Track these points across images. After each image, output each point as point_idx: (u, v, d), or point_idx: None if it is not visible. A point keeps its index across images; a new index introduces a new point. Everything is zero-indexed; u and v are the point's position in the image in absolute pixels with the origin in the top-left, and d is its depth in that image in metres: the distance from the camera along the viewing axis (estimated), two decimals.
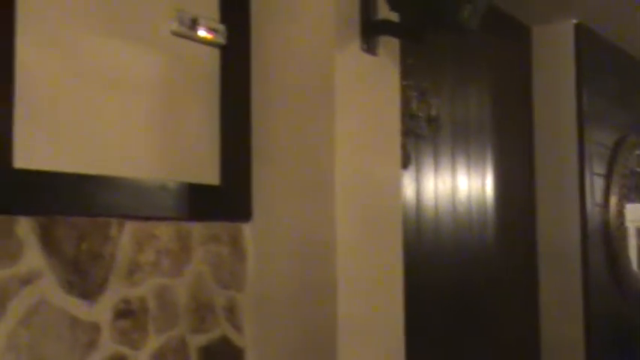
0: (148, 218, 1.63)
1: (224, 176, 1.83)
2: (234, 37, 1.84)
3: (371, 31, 1.83)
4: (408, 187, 2.53)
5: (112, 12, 1.59)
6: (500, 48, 3.14)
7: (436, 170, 2.71)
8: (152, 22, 1.68)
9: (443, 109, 2.69)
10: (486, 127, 3.04)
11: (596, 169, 3.42)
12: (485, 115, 3.05)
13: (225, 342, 1.79)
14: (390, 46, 1.92)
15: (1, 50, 1.36)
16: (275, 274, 1.83)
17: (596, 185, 3.40)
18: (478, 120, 3.01)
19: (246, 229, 1.86)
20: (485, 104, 3.06)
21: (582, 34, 3.30)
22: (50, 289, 1.43)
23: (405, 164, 2.35)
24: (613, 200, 3.52)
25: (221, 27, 1.82)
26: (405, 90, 2.15)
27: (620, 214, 3.56)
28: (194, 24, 1.75)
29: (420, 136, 2.53)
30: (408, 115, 2.40)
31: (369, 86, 1.88)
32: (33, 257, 1.40)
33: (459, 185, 2.85)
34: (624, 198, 3.60)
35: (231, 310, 1.81)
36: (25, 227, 1.39)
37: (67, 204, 1.47)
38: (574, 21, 3.28)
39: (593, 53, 3.37)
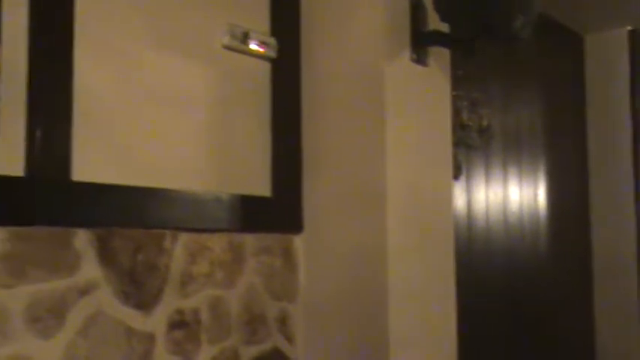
0: (201, 230, 1.65)
1: (275, 188, 1.84)
2: (284, 50, 1.86)
3: (421, 42, 1.83)
4: (459, 197, 2.51)
5: (166, 28, 1.62)
6: (551, 56, 3.10)
7: (487, 180, 2.68)
8: (205, 36, 1.71)
9: (494, 119, 2.66)
10: (538, 137, 3.00)
11: None
12: (537, 125, 3.01)
13: (277, 353, 1.80)
14: (440, 57, 1.91)
15: (60, 68, 1.40)
16: (326, 286, 1.84)
17: None
18: (530, 130, 2.97)
19: (298, 241, 1.87)
20: (537, 114, 3.02)
21: (637, 40, 3.23)
22: (107, 299, 1.45)
23: (456, 175, 2.33)
24: None
25: (272, 40, 1.83)
26: (455, 100, 2.13)
27: None
28: (246, 38, 1.77)
29: (471, 146, 2.51)
30: (458, 126, 2.39)
31: (419, 97, 1.87)
32: (90, 268, 1.43)
33: (511, 195, 2.82)
34: None
35: (282, 322, 1.82)
36: (82, 239, 1.42)
37: (122, 216, 1.50)
38: (629, 28, 3.22)
39: None
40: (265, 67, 1.85)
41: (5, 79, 1.33)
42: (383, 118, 1.76)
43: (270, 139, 1.85)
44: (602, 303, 3.24)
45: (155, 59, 1.60)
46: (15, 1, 1.35)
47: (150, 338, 1.52)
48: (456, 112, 2.30)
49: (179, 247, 1.60)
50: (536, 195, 2.97)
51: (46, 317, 1.35)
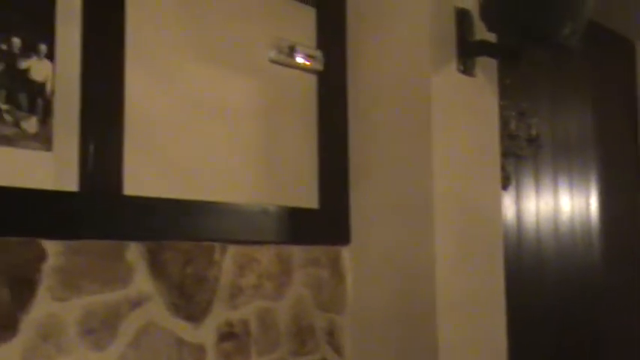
0: (249, 242, 1.66)
1: (323, 200, 1.85)
2: (330, 62, 1.87)
3: (468, 52, 1.82)
4: (509, 208, 2.48)
5: (215, 43, 1.64)
6: (602, 64, 3.05)
7: (537, 190, 2.65)
8: (252, 51, 1.73)
9: (543, 129, 2.63)
10: (589, 146, 2.95)
11: None
12: (588, 133, 2.96)
13: None
14: (487, 67, 1.90)
15: (112, 84, 1.43)
16: (374, 297, 1.83)
17: None
18: (580, 138, 2.92)
19: (345, 252, 1.87)
20: (587, 122, 2.97)
21: None
22: (158, 311, 1.48)
23: (504, 185, 2.31)
24: None
25: (318, 53, 1.85)
26: (503, 110, 2.11)
27: None
28: (292, 51, 1.79)
29: (520, 156, 2.49)
30: (506, 136, 2.36)
31: (466, 107, 1.86)
32: (142, 281, 1.45)
33: (562, 205, 2.77)
34: None
35: (331, 333, 1.82)
36: (134, 252, 1.45)
37: (173, 229, 1.52)
38: None
39: None
40: (311, 80, 1.86)
41: (59, 95, 1.37)
42: (430, 129, 1.76)
43: (316, 151, 1.86)
44: None
45: (204, 74, 1.62)
46: (68, 18, 1.39)
47: (200, 349, 1.54)
48: (504, 122, 2.28)
49: (228, 260, 1.61)
50: (588, 205, 2.92)
51: (100, 329, 1.37)
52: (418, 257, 1.76)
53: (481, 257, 1.87)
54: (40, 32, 1.35)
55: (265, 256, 1.69)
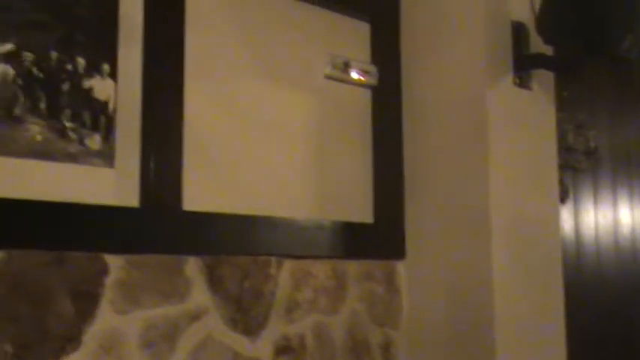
0: (305, 257, 1.67)
1: (378, 214, 1.85)
2: (385, 77, 1.87)
3: (524, 65, 1.80)
4: (566, 222, 2.44)
5: (270, 60, 1.67)
6: None
7: (596, 204, 2.60)
8: (307, 67, 1.74)
9: (601, 141, 2.58)
10: None
11: None
12: None
13: None
14: (543, 80, 1.88)
15: (172, 101, 1.46)
16: (430, 313, 1.82)
17: None
18: None
19: (400, 267, 1.87)
20: None
21: None
22: (216, 325, 1.50)
23: (562, 199, 2.27)
24: None
25: (372, 68, 1.85)
26: (560, 123, 2.08)
27: None
28: (346, 67, 1.80)
29: (578, 169, 2.44)
30: (564, 149, 2.32)
31: (523, 121, 1.84)
32: (200, 295, 1.48)
33: (622, 219, 2.71)
34: None
35: (386, 348, 1.82)
36: (193, 267, 1.47)
37: (230, 244, 1.54)
38: None
39: None
40: (366, 95, 1.87)
41: (121, 113, 1.40)
42: (486, 143, 1.75)
43: (371, 165, 1.86)
44: None
45: (260, 90, 1.64)
46: (130, 38, 1.42)
47: None
48: (562, 135, 2.24)
49: (284, 274, 1.63)
50: None
51: (159, 342, 1.40)
52: (475, 272, 1.75)
53: (539, 272, 1.84)
54: (104, 52, 1.39)
55: (321, 270, 1.70)
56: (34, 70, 1.29)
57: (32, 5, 1.30)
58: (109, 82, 1.39)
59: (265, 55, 1.66)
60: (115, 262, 1.35)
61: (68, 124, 1.33)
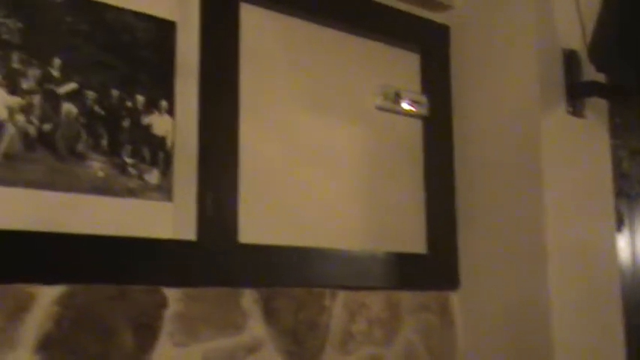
0: (359, 288, 1.67)
1: (431, 245, 1.85)
2: (436, 107, 1.88)
3: (577, 93, 1.79)
4: (623, 250, 2.39)
5: (322, 92, 1.69)
6: None
7: None
8: (358, 98, 1.76)
9: None
10: None
11: None
12: None
13: None
14: (596, 107, 1.87)
15: (228, 135, 1.49)
16: (485, 344, 1.80)
17: None
18: None
19: (454, 298, 1.86)
20: None
21: None
22: (271, 357, 1.50)
23: (618, 226, 2.23)
24: None
25: (423, 99, 1.86)
26: (614, 150, 2.06)
27: None
28: (397, 98, 1.81)
29: (634, 196, 2.40)
30: (619, 176, 2.29)
31: (576, 149, 1.83)
32: (256, 327, 1.49)
33: None
34: None
35: None
36: (249, 299, 1.48)
37: (285, 275, 1.55)
38: None
39: None
40: (417, 125, 1.88)
41: (178, 148, 1.43)
42: (540, 172, 1.73)
43: (423, 195, 1.86)
44: None
45: (313, 123, 1.66)
46: (186, 76, 1.46)
47: None
48: (616, 162, 2.21)
49: (338, 306, 1.63)
50: None
51: None
52: (531, 302, 1.72)
53: (597, 301, 1.81)
54: (162, 90, 1.42)
55: (375, 301, 1.70)
56: (96, 108, 1.33)
57: (95, 46, 1.34)
58: (167, 118, 1.43)
59: (318, 88, 1.68)
60: (173, 295, 1.37)
61: (128, 160, 1.36)
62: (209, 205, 1.44)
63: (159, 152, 1.41)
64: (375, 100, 1.79)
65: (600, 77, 1.82)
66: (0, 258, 1.18)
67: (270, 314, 1.51)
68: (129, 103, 1.38)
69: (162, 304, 1.36)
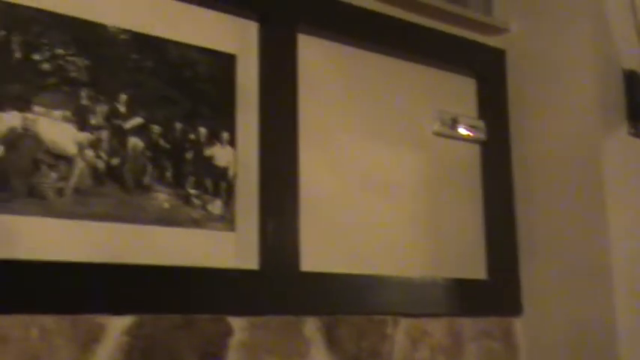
0: (420, 315, 1.67)
1: (491, 270, 1.83)
2: (493, 131, 1.87)
3: (638, 114, 1.76)
4: None
5: (379, 119, 1.70)
6: None
7: None
8: (415, 124, 1.77)
9: None
10: None
11: None
12: None
13: None
14: None
15: (288, 166, 1.51)
16: None
17: None
18: None
19: (517, 324, 1.83)
20: None
21: None
22: None
23: None
24: None
25: (480, 123, 1.86)
26: None
27: None
28: (454, 123, 1.81)
29: None
30: None
31: (639, 170, 1.80)
32: (319, 355, 1.49)
33: None
34: None
35: None
36: (311, 327, 1.49)
37: (347, 303, 1.55)
38: None
39: None
40: (475, 150, 1.87)
41: (240, 178, 1.46)
42: (602, 194, 1.71)
43: (483, 220, 1.85)
44: None
45: (371, 150, 1.67)
46: (247, 107, 1.49)
47: None
48: None
49: (400, 333, 1.62)
50: None
51: None
52: (597, 327, 1.69)
53: None
54: (223, 122, 1.45)
55: (437, 329, 1.69)
56: (161, 142, 1.37)
57: (159, 81, 1.38)
58: (229, 149, 1.45)
59: (375, 115, 1.70)
60: (238, 324, 1.38)
61: (192, 191, 1.39)
62: (270, 234, 1.46)
63: (221, 183, 1.43)
64: (431, 126, 1.79)
65: None
66: (72, 289, 1.21)
67: (332, 342, 1.52)
68: (192, 136, 1.41)
69: (228, 332, 1.37)
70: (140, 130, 1.35)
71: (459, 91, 1.87)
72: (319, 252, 1.54)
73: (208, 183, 1.42)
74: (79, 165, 1.27)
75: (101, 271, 1.25)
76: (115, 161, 1.31)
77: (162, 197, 1.36)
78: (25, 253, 1.19)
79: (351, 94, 1.67)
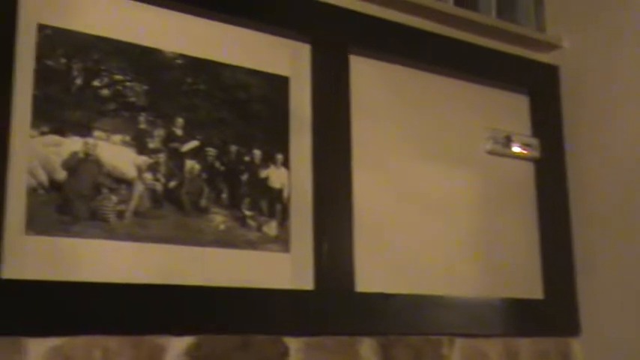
0: (476, 335, 1.65)
1: (548, 290, 1.80)
2: (548, 149, 1.85)
3: None
4: None
5: (432, 139, 1.70)
6: None
7: None
8: (468, 144, 1.76)
9: None
10: None
11: None
12: None
13: None
14: None
15: (341, 187, 1.52)
16: None
17: None
18: None
19: (576, 344, 1.80)
20: None
21: None
22: None
23: None
24: None
25: (534, 141, 1.84)
26: None
27: None
28: (508, 141, 1.79)
29: None
30: None
31: None
32: None
33: None
34: None
35: None
36: (367, 347, 1.48)
37: (402, 323, 1.55)
38: None
39: None
40: (529, 168, 1.85)
41: (294, 200, 1.47)
42: None
43: (538, 239, 1.82)
44: None
45: (424, 169, 1.67)
46: (300, 127, 1.50)
47: None
48: None
49: (456, 354, 1.60)
50: None
51: None
52: None
53: None
54: (277, 144, 1.47)
55: (493, 349, 1.67)
56: (217, 164, 1.39)
57: (215, 105, 1.41)
58: (283, 170, 1.47)
59: (427, 133, 1.69)
60: (294, 344, 1.39)
61: (247, 213, 1.41)
62: (325, 254, 1.46)
63: (276, 204, 1.45)
64: (485, 145, 1.78)
65: None
66: (133, 310, 1.23)
67: None
68: (247, 158, 1.42)
69: (284, 353, 1.38)
70: (196, 153, 1.37)
71: (513, 109, 1.86)
72: (374, 272, 1.54)
73: (263, 204, 1.43)
74: (139, 188, 1.29)
75: (161, 292, 1.27)
76: (173, 184, 1.33)
77: (219, 219, 1.37)
78: (88, 275, 1.21)
79: (403, 114, 1.67)
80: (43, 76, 1.24)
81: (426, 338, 1.57)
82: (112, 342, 1.19)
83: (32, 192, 1.19)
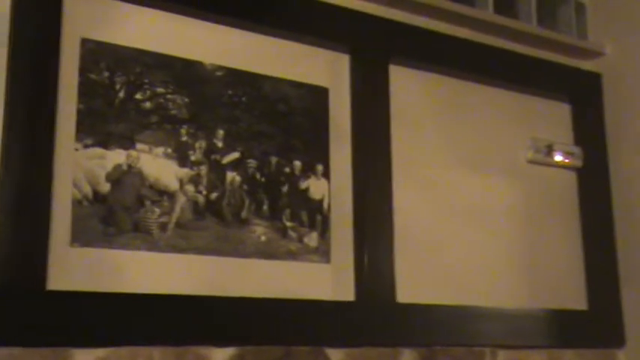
0: (518, 347, 1.63)
1: (592, 300, 1.77)
2: (590, 158, 1.82)
3: None
4: None
5: (472, 148, 1.68)
6: None
7: None
8: (509, 153, 1.74)
9: None
10: None
11: None
12: None
13: None
14: None
15: (381, 197, 1.51)
16: None
17: None
18: None
19: (620, 356, 1.76)
20: None
21: None
22: None
23: None
24: None
25: (577, 150, 1.81)
26: None
27: None
28: (550, 150, 1.77)
29: None
30: None
31: None
32: None
33: None
34: None
35: None
36: (408, 358, 1.47)
37: (444, 334, 1.53)
38: None
39: None
40: (571, 177, 1.82)
41: (335, 210, 1.47)
42: None
43: (581, 249, 1.80)
44: None
45: (464, 179, 1.66)
46: (340, 138, 1.50)
47: None
48: None
49: None
50: None
51: None
52: None
53: None
54: (317, 154, 1.47)
55: None
56: (257, 175, 1.39)
57: (255, 117, 1.41)
58: (323, 181, 1.47)
59: (467, 143, 1.68)
60: (336, 355, 1.39)
61: (288, 224, 1.41)
62: (366, 265, 1.46)
63: (316, 215, 1.45)
64: (526, 154, 1.76)
65: None
66: (176, 321, 1.24)
67: None
68: (287, 169, 1.43)
69: None
70: (237, 165, 1.38)
71: (554, 117, 1.83)
72: (415, 283, 1.53)
73: (304, 215, 1.43)
74: (181, 200, 1.30)
75: (203, 303, 1.28)
76: (214, 196, 1.34)
77: (260, 230, 1.38)
78: (132, 286, 1.22)
79: (443, 124, 1.66)
80: (86, 89, 1.25)
81: (468, 349, 1.55)
82: (156, 353, 1.20)
83: (77, 204, 1.21)
